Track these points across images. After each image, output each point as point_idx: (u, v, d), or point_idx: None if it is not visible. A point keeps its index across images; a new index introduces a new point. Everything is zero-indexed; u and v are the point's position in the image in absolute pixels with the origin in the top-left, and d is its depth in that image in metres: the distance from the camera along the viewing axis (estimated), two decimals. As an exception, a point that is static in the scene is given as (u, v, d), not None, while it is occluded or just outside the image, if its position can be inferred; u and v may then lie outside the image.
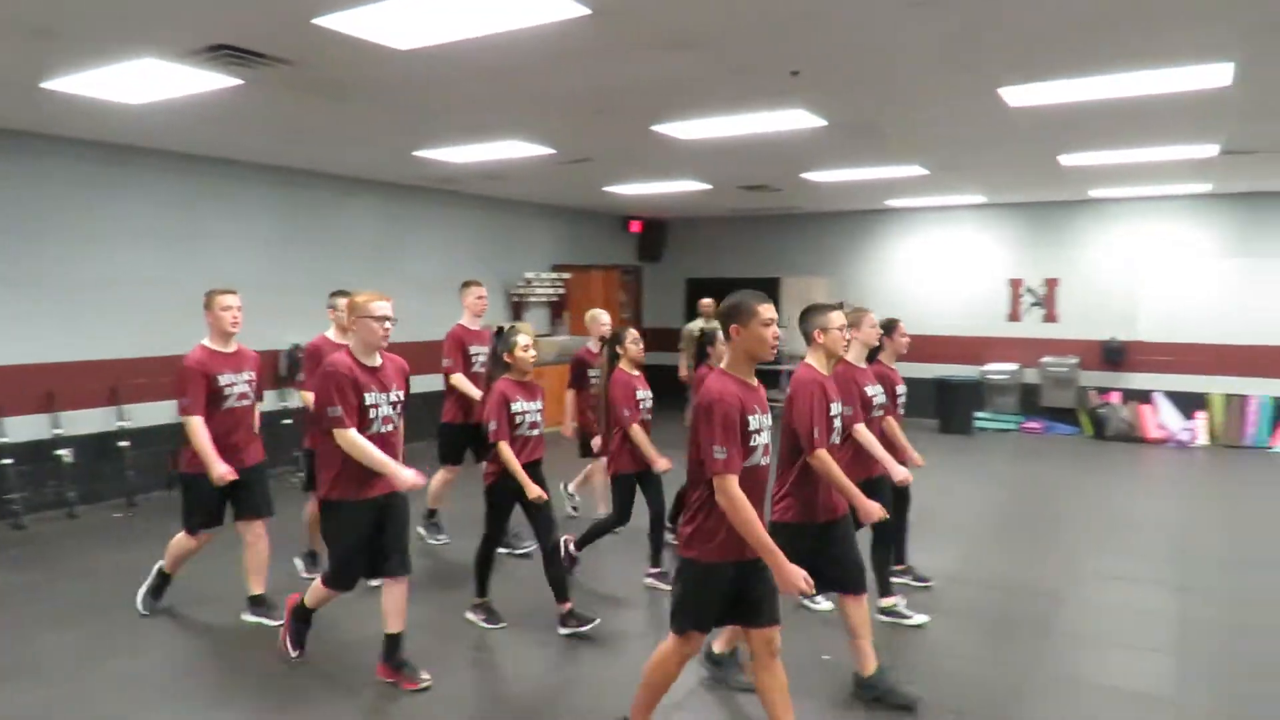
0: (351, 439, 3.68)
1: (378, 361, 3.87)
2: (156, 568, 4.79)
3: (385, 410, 3.83)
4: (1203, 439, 10.54)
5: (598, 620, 4.55)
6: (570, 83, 5.28)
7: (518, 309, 11.59)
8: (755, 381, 3.07)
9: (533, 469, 4.53)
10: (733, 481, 2.86)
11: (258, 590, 4.69)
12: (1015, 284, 11.84)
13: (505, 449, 4.38)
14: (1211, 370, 10.67)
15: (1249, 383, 10.41)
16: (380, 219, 9.85)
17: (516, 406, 4.45)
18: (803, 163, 8.39)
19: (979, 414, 11.53)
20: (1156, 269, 11.01)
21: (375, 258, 9.67)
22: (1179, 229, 10.86)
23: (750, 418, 2.95)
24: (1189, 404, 10.72)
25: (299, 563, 5.45)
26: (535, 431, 4.56)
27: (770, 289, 13.39)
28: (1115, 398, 11.08)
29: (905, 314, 12.13)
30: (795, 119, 6.18)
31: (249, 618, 4.69)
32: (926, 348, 12.15)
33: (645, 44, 4.45)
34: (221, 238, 8.16)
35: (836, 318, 3.82)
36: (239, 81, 5.07)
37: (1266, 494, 8.17)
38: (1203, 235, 10.75)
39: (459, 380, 5.82)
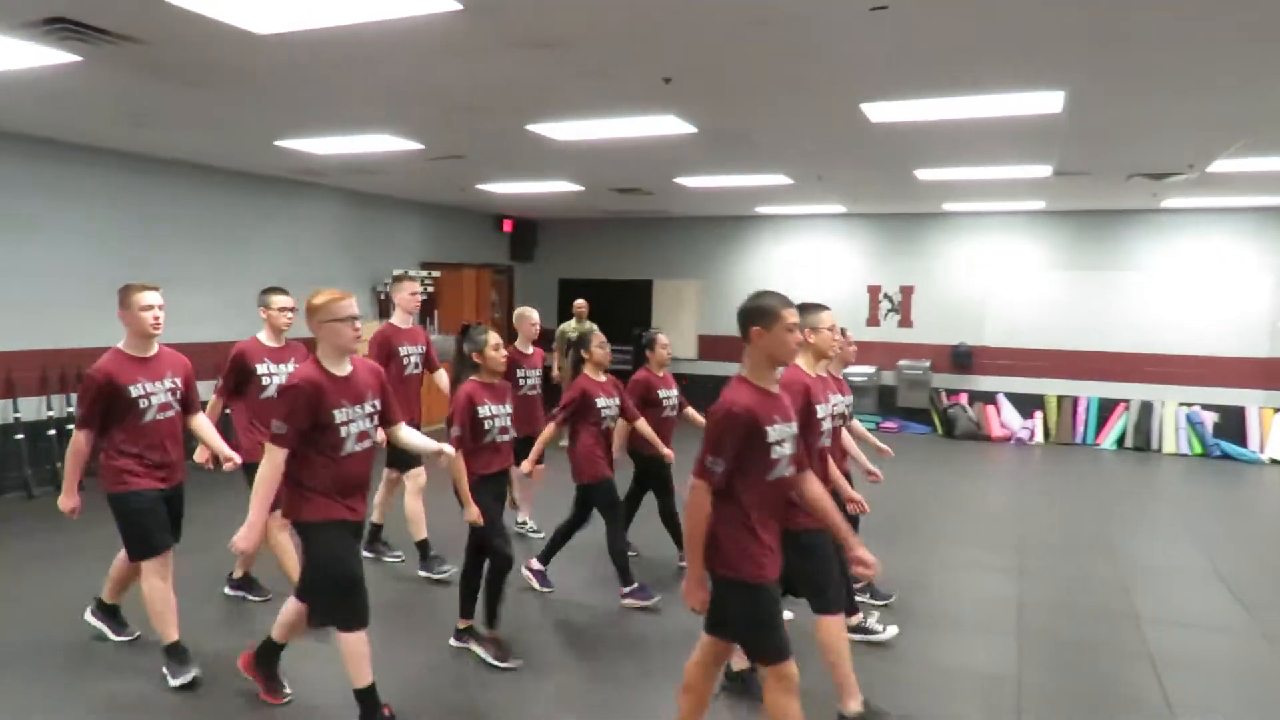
0: (277, 463, 3.27)
1: (348, 369, 3.43)
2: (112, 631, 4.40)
3: (360, 425, 3.41)
4: (1039, 437, 11.39)
5: (517, 664, 4.24)
6: (441, 78, 5.18)
7: (384, 306, 11.27)
8: (776, 388, 2.99)
9: (499, 478, 4.30)
10: (704, 488, 2.80)
11: (110, 599, 4.36)
12: (874, 291, 12.45)
13: (458, 463, 4.05)
14: (1047, 374, 11.54)
15: (1079, 385, 11.32)
16: (233, 210, 9.36)
17: (484, 411, 4.20)
18: (675, 168, 8.53)
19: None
20: (1000, 279, 11.81)
21: (224, 251, 9.19)
22: (1019, 243, 11.71)
23: (770, 428, 2.83)
24: (1028, 405, 11.56)
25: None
26: (505, 437, 4.30)
27: (642, 291, 13.57)
28: (963, 399, 11.81)
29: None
30: (667, 125, 6.28)
31: (92, 620, 4.40)
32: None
33: (518, 42, 4.42)
34: (53, 228, 7.57)
35: (827, 318, 3.76)
36: (77, 59, 4.72)
37: (1093, 487, 8.89)
38: (1039, 249, 11.62)
39: None
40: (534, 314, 6.39)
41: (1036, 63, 4.66)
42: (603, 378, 5.16)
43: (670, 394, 5.56)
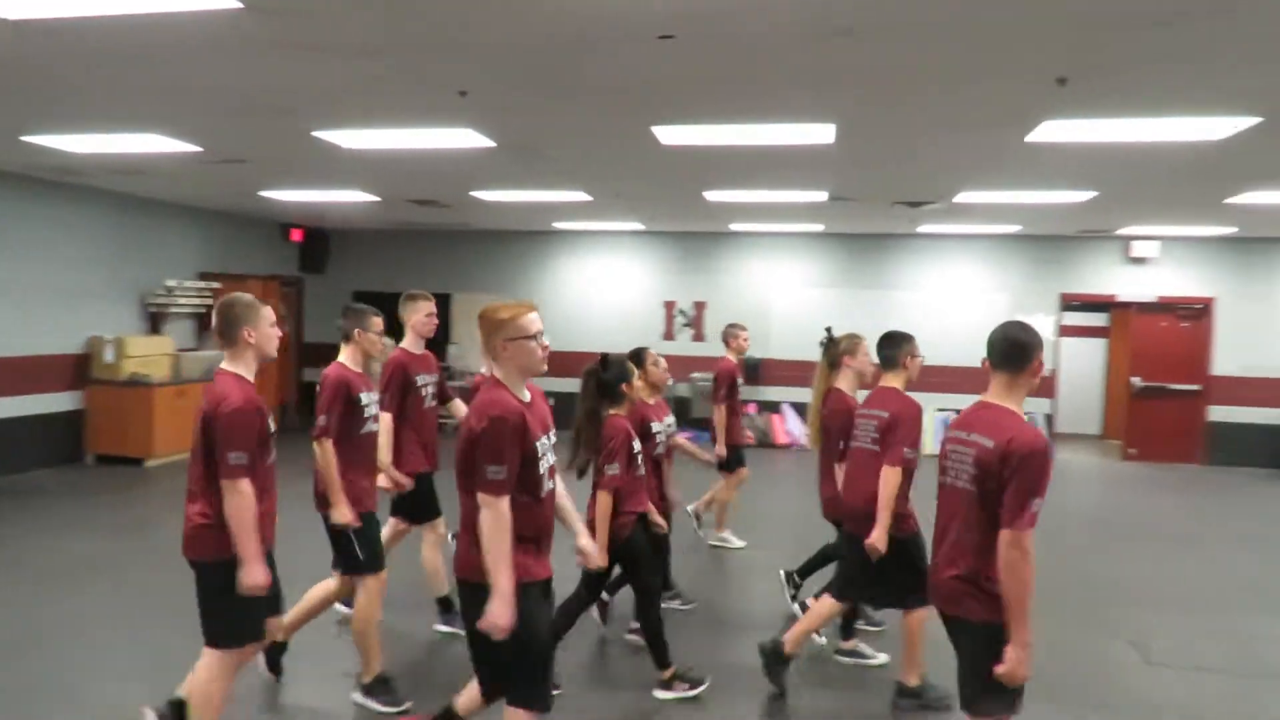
0: (503, 512, 2.72)
1: (528, 396, 2.94)
2: None
3: (550, 459, 2.96)
4: (744, 439, 12.26)
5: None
6: (220, 77, 4.90)
7: (156, 320, 10.39)
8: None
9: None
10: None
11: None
12: (669, 305, 12.94)
13: (605, 500, 4.01)
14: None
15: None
16: (-28, 212, 8.34)
17: (655, 426, 4.50)
18: (472, 181, 8.49)
19: (639, 426, 12.37)
20: (784, 295, 12.64)
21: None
22: (800, 261, 12.61)
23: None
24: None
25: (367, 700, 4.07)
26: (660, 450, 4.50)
27: (442, 305, 13.29)
28: (753, 409, 12.49)
29: (573, 333, 12.85)
30: (464, 138, 6.26)
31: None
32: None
33: (304, 45, 4.27)
34: None
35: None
36: None
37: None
38: (818, 268, 12.57)
39: (385, 423, 4.52)
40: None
41: (810, 97, 5.07)
42: (653, 401, 4.79)
43: (664, 427, 4.75)
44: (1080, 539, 7.57)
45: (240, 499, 3.06)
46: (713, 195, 8.94)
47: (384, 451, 4.45)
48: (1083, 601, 5.79)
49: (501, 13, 3.75)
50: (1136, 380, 11.68)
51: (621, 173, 7.86)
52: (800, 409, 12.41)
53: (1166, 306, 11.88)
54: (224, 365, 3.28)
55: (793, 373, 12.52)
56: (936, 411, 11.97)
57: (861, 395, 4.57)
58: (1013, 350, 2.90)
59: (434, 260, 13.51)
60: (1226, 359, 11.56)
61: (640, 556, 4.15)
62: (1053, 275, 12.08)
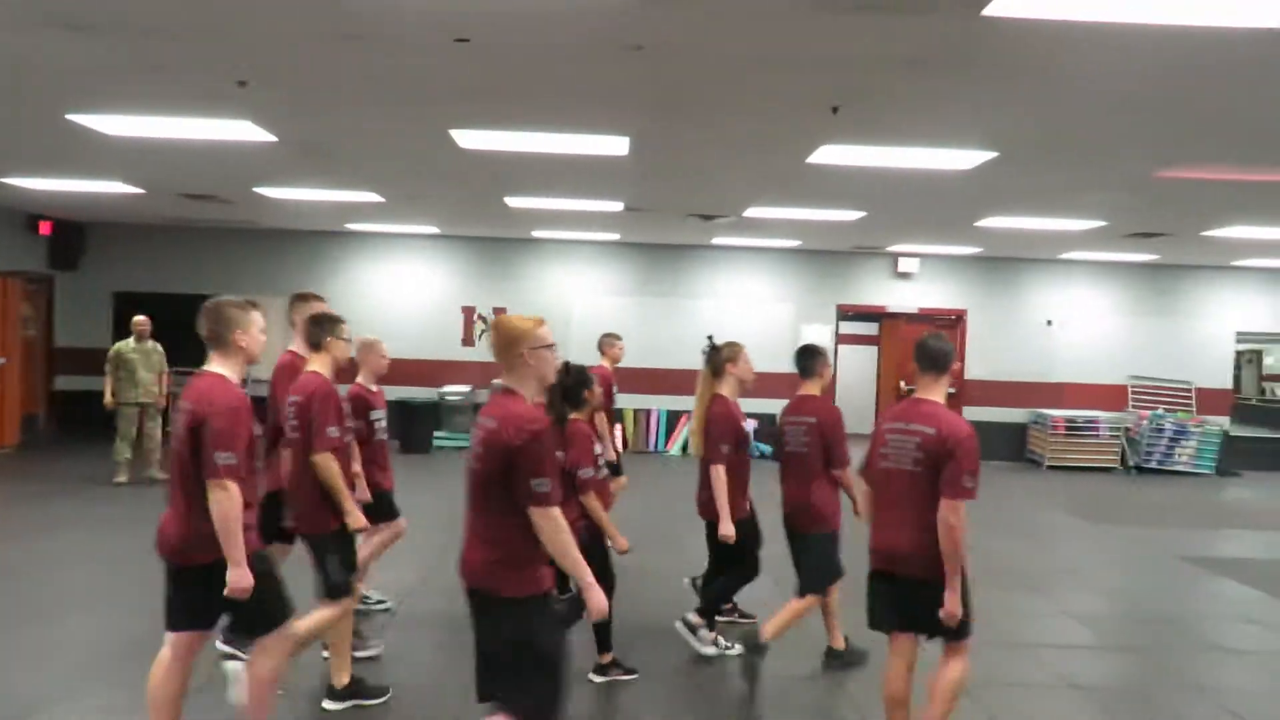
0: (564, 525, 2.79)
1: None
2: None
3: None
4: (619, 447, 12.50)
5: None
6: (-51, 48, 4.32)
7: None
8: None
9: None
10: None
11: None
12: (468, 311, 12.75)
13: (594, 502, 4.16)
14: (625, 389, 12.70)
15: (651, 399, 12.65)
16: None
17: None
18: (255, 176, 7.98)
19: (438, 433, 12.10)
20: (584, 303, 12.79)
21: None
22: (600, 269, 12.83)
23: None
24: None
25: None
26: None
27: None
28: (553, 414, 12.54)
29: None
30: (243, 131, 5.87)
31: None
32: (389, 370, 12.47)
33: (57, 22, 3.85)
34: None
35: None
36: None
37: (662, 489, 9.99)
38: (616, 276, 12.84)
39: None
40: (383, 345, 5.26)
41: (605, 110, 5.18)
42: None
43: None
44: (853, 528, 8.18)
45: (228, 499, 3.03)
46: (514, 201, 8.91)
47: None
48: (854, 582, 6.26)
49: (283, 1, 3.57)
50: (903, 384, 12.80)
51: (418, 175, 7.67)
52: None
53: (927, 317, 13.13)
54: (211, 367, 3.24)
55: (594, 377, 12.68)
56: (728, 415, 12.54)
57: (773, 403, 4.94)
58: (938, 357, 3.55)
59: (212, 259, 12.53)
60: (976, 364, 12.93)
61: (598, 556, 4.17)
62: (831, 287, 13.02)
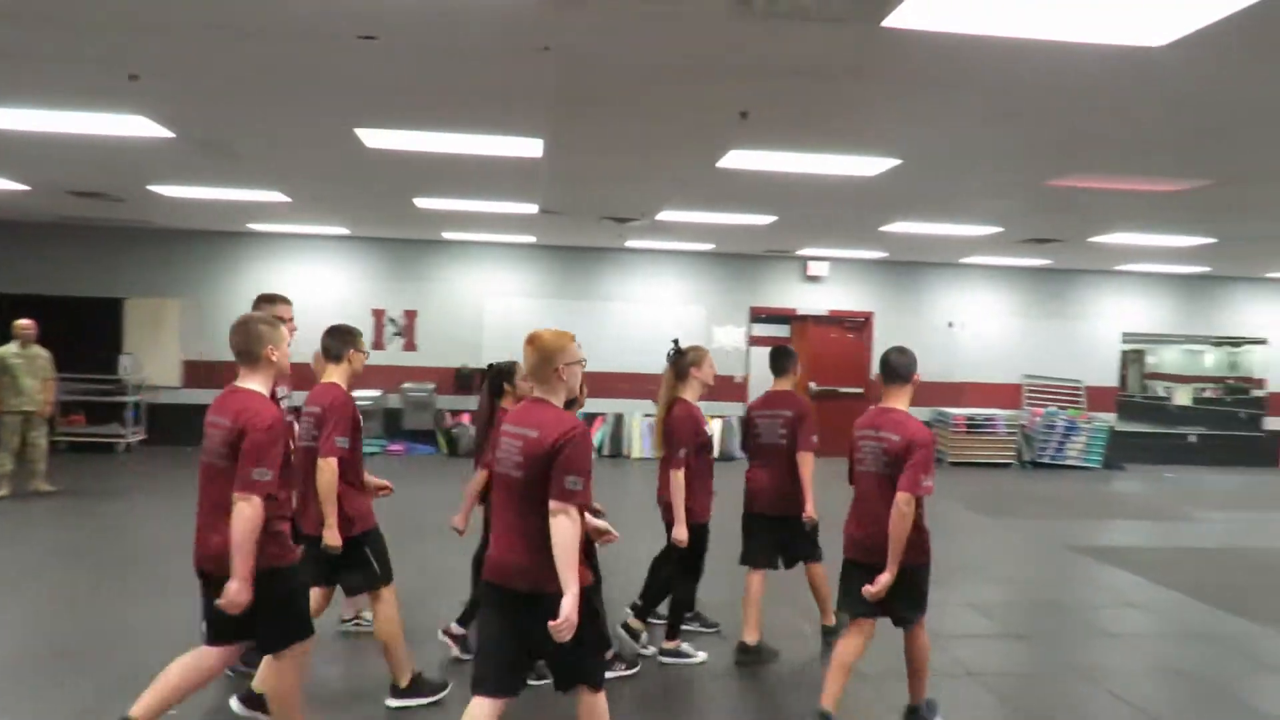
0: (579, 521, 3.02)
1: None
2: None
3: None
4: (534, 451, 12.44)
5: None
6: None
7: None
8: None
9: None
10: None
11: None
12: (378, 314, 12.49)
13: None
14: (539, 392, 12.67)
15: (566, 402, 12.62)
16: None
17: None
18: (149, 174, 7.64)
19: (346, 440, 11.80)
20: (497, 305, 12.68)
21: None
22: (514, 272, 12.73)
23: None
24: (523, 421, 12.56)
25: None
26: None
27: (111, 310, 11.83)
28: (466, 419, 12.39)
29: (271, 341, 12.00)
30: (136, 126, 5.62)
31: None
32: (293, 375, 12.12)
33: (-74, 6, 3.63)
34: None
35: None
36: None
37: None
38: (531, 278, 12.76)
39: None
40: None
41: (516, 112, 5.15)
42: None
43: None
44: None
45: (253, 515, 3.09)
46: (423, 202, 8.77)
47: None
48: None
49: (178, -7, 3.44)
50: (813, 384, 13.09)
51: (324, 175, 7.47)
52: (515, 418, 12.49)
53: (836, 319, 13.48)
54: (244, 383, 3.33)
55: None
56: (644, 416, 12.61)
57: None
58: (901, 370, 3.95)
59: (102, 260, 11.96)
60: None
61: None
62: (743, 290, 13.23)
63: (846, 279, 13.42)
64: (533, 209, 8.93)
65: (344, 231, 11.78)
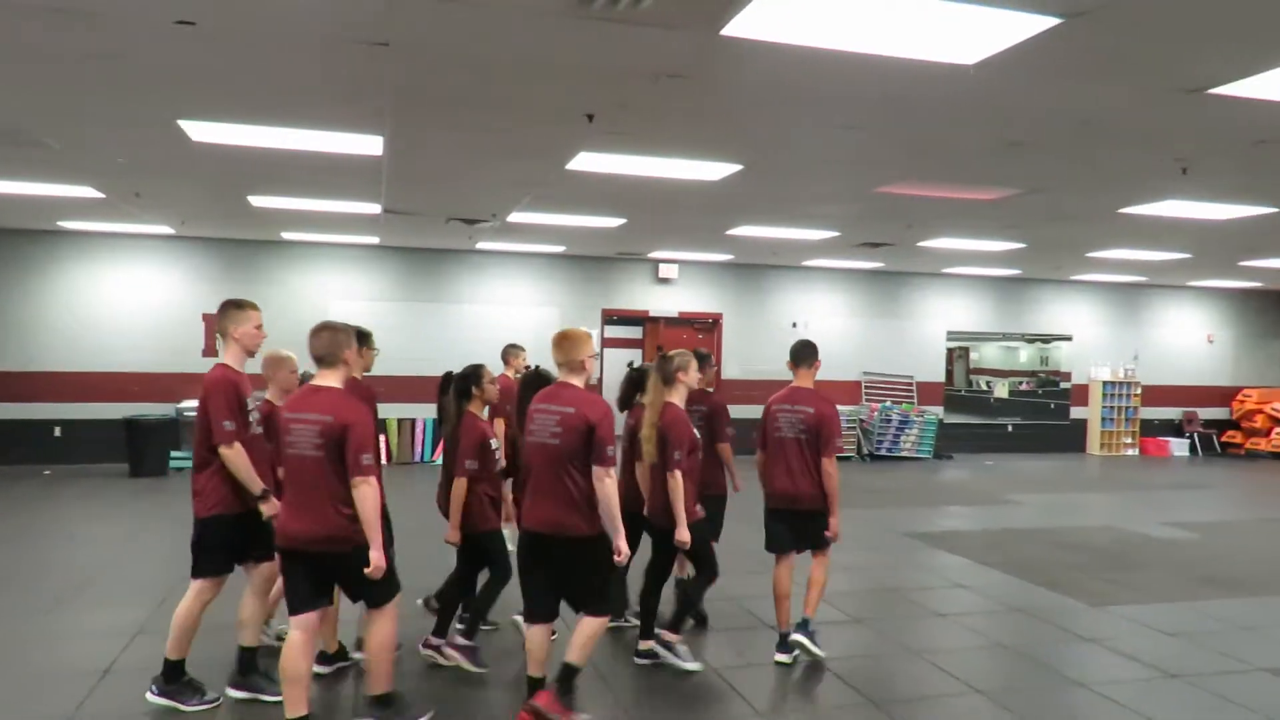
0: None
1: None
2: None
3: None
4: (382, 460, 12.03)
5: None
6: None
7: None
8: None
9: None
10: None
11: None
12: (210, 320, 11.71)
13: (461, 485, 4.64)
14: (388, 399, 12.22)
15: (416, 408, 12.28)
16: None
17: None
18: (-63, 165, 6.89)
19: (175, 453, 11.02)
20: (341, 309, 12.16)
21: None
22: (358, 273, 12.27)
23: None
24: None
25: None
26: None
27: (-106, 317, 10.58)
28: (309, 428, 11.83)
29: (87, 349, 11.08)
30: (-82, 111, 5.06)
31: None
32: (113, 385, 11.24)
33: None
34: None
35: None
36: None
37: (428, 499, 9.71)
38: (377, 280, 12.34)
39: (242, 453, 4.03)
40: (294, 359, 4.91)
41: (353, 108, 4.96)
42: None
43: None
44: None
45: (374, 493, 3.54)
46: (259, 201, 8.31)
47: (255, 483, 4.04)
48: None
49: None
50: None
51: (145, 169, 6.95)
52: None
53: (687, 320, 13.76)
54: (327, 382, 3.70)
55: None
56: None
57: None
58: (807, 354, 4.95)
59: (-119, 261, 10.69)
60: (732, 364, 13.71)
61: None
62: (596, 292, 13.29)
63: (696, 281, 13.72)
64: (376, 209, 8.63)
65: (170, 231, 11.00)
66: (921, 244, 10.50)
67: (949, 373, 15.29)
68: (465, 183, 7.30)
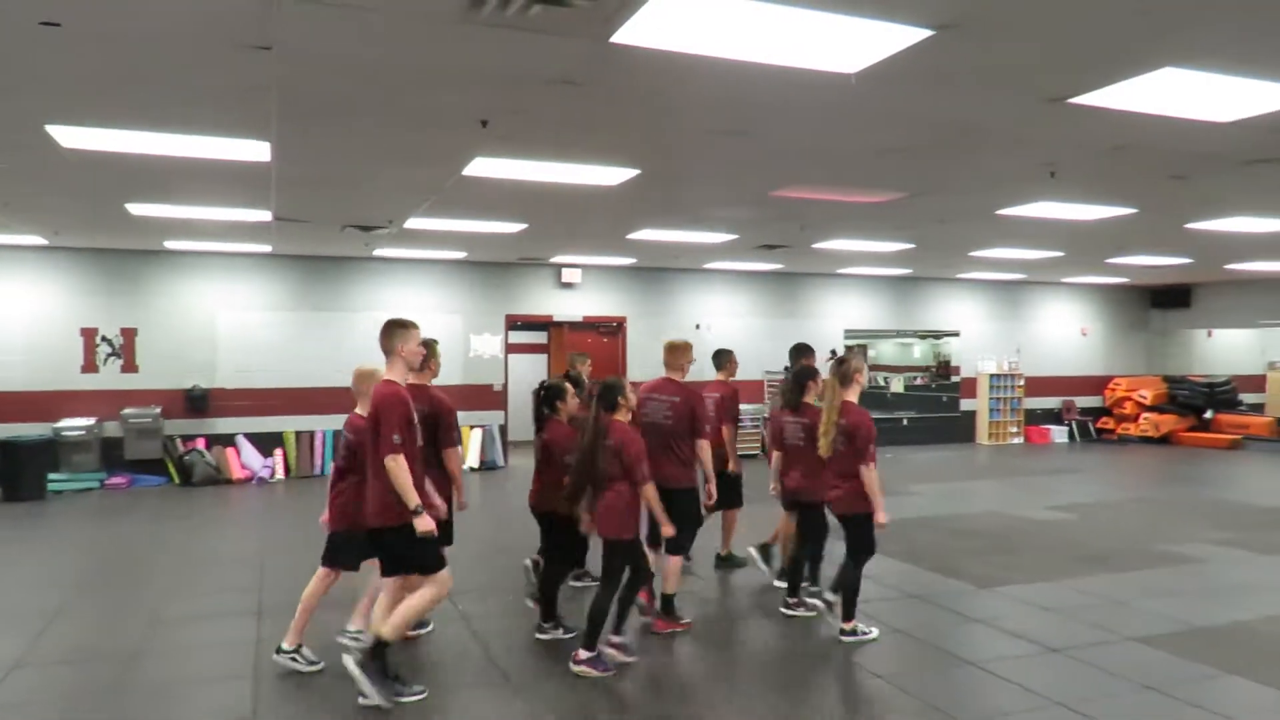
0: None
1: None
2: None
3: None
4: (281, 474, 11.64)
5: None
6: None
7: None
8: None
9: None
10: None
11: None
12: (89, 333, 11.13)
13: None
14: (285, 411, 11.88)
15: (315, 420, 11.94)
16: None
17: None
18: None
19: (54, 476, 10.43)
20: (232, 320, 11.75)
21: None
22: (250, 283, 11.84)
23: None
24: (269, 443, 11.71)
25: None
26: None
27: None
28: (201, 443, 11.36)
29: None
30: None
31: None
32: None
33: None
34: None
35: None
36: None
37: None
38: (270, 290, 11.94)
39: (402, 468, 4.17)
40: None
41: (237, 113, 4.81)
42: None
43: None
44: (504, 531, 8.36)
45: (401, 467, 4.13)
46: (139, 209, 7.95)
47: (412, 496, 4.17)
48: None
49: None
50: (571, 390, 13.31)
51: (11, 177, 6.57)
52: (257, 439, 11.63)
53: (591, 324, 13.80)
54: (419, 381, 4.82)
55: (247, 401, 11.70)
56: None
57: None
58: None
59: None
60: (636, 368, 13.80)
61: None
62: (499, 298, 13.19)
63: (600, 285, 13.77)
64: (266, 216, 8.37)
65: (42, 241, 10.39)
66: (817, 245, 10.82)
67: (847, 370, 15.76)
68: (359, 189, 7.16)
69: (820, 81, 4.17)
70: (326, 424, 11.95)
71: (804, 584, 5.93)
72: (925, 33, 3.58)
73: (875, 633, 5.35)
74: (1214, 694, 4.50)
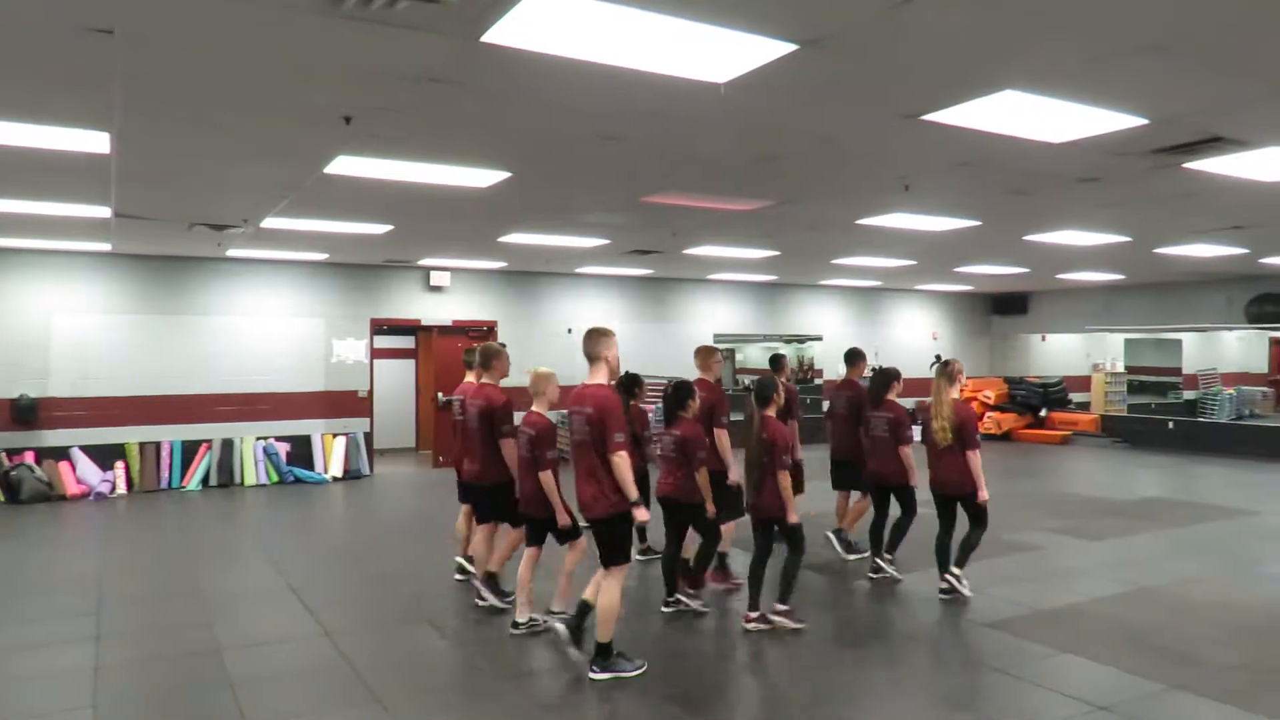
0: None
1: None
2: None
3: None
4: (123, 488, 10.84)
5: None
6: None
7: None
8: None
9: None
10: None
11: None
12: (-104, 338, 10.04)
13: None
14: (127, 421, 11.08)
15: (161, 430, 11.20)
16: None
17: None
18: None
19: None
20: (66, 324, 10.87)
21: None
22: (87, 285, 10.99)
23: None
24: (108, 456, 10.89)
25: None
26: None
27: None
28: (30, 457, 10.45)
29: None
30: None
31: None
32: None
33: None
34: None
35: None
36: None
37: (178, 529, 8.89)
38: (109, 292, 11.11)
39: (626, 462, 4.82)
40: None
41: (72, 100, 4.46)
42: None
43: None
44: (404, 539, 8.12)
45: (626, 464, 4.62)
46: (-46, 201, 7.24)
47: (632, 489, 4.71)
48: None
49: None
50: (440, 395, 13.02)
51: None
52: (94, 451, 10.79)
53: (461, 329, 13.53)
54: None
55: (83, 411, 10.84)
56: (256, 440, 11.62)
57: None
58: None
59: None
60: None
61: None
62: (364, 301, 12.76)
63: (469, 289, 13.54)
64: (106, 212, 7.78)
65: None
66: (687, 251, 11.00)
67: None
68: (210, 185, 6.76)
69: (690, 90, 4.24)
70: (173, 434, 11.23)
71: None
72: (790, 47, 3.69)
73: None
74: (1052, 673, 4.84)
